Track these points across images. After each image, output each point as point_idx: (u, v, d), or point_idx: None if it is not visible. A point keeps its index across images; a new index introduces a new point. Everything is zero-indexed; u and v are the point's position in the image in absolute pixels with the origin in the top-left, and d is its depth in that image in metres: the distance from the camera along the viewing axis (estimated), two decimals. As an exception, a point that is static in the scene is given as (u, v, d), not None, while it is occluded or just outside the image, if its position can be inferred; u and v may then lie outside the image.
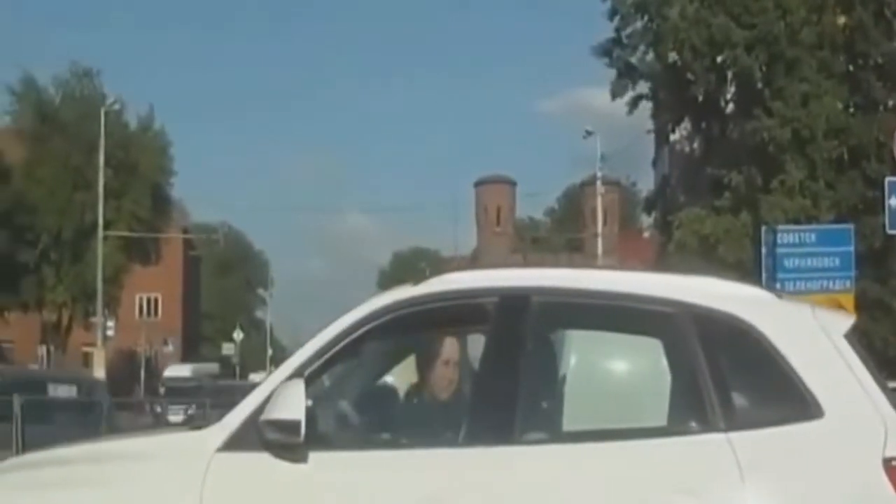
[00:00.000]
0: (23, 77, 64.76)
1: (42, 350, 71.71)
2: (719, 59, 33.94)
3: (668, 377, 5.72)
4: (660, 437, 5.55)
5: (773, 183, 32.36)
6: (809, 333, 5.71)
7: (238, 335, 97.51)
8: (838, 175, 32.68)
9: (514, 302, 5.89)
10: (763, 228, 26.52)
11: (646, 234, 67.72)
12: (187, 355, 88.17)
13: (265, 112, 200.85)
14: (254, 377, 74.81)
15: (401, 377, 6.49)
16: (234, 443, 5.71)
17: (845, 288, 22.83)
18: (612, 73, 37.89)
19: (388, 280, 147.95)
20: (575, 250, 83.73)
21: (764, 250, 24.61)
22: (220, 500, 5.63)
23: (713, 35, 33.01)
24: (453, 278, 6.08)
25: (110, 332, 64.40)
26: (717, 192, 34.28)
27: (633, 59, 37.41)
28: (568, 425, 5.76)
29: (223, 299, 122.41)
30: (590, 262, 61.36)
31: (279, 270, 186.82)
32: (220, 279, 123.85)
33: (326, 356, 5.88)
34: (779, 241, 23.86)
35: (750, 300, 5.85)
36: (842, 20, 33.68)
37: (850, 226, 25.41)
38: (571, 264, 6.43)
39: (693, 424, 5.55)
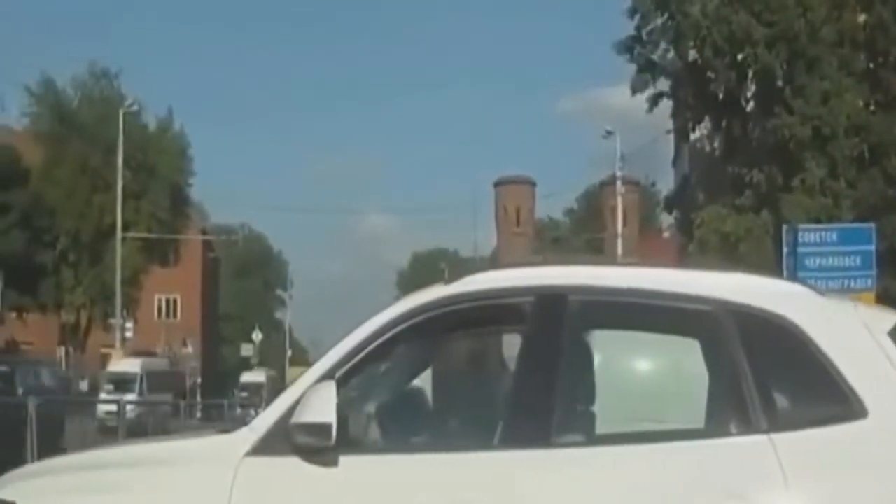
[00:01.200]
0: (41, 79, 65.05)
1: (61, 352, 71.87)
2: (740, 56, 33.78)
3: (707, 377, 5.60)
4: (700, 439, 5.42)
5: (794, 181, 32.23)
6: (852, 331, 5.57)
7: (257, 336, 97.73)
8: (859, 173, 32.52)
9: (551, 301, 5.74)
10: (784, 227, 26.34)
11: (666, 234, 67.54)
12: (207, 356, 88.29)
13: (285, 113, 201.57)
14: (245, 377, 74.25)
15: (424, 379, 6.35)
16: (263, 447, 5.60)
17: (866, 287, 22.66)
18: (633, 71, 37.83)
19: (408, 280, 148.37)
20: (595, 250, 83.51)
21: (785, 249, 24.46)
22: None
23: (734, 32, 32.88)
24: (487, 277, 5.94)
25: (129, 334, 64.60)
26: (737, 191, 34.16)
27: (654, 57, 37.31)
28: (605, 427, 5.62)
29: (242, 300, 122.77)
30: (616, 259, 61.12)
31: (299, 271, 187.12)
32: (240, 280, 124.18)
33: (358, 358, 5.77)
34: (800, 239, 23.72)
35: (791, 297, 5.71)
36: (862, 18, 33.53)
37: (872, 225, 25.24)
38: (600, 262, 6.23)
39: (734, 425, 5.42)
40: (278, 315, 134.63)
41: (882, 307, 6.10)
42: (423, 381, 6.36)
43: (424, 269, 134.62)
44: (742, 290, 5.66)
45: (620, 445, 5.46)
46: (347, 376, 5.72)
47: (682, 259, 35.61)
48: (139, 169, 63.77)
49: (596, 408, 5.67)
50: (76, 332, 66.80)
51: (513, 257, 79.11)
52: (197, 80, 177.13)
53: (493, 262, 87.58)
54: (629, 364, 5.84)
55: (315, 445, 5.41)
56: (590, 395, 5.69)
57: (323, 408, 5.38)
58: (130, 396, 44.35)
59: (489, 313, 5.90)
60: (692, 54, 35.10)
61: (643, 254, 70.41)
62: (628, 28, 37.53)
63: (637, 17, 37.13)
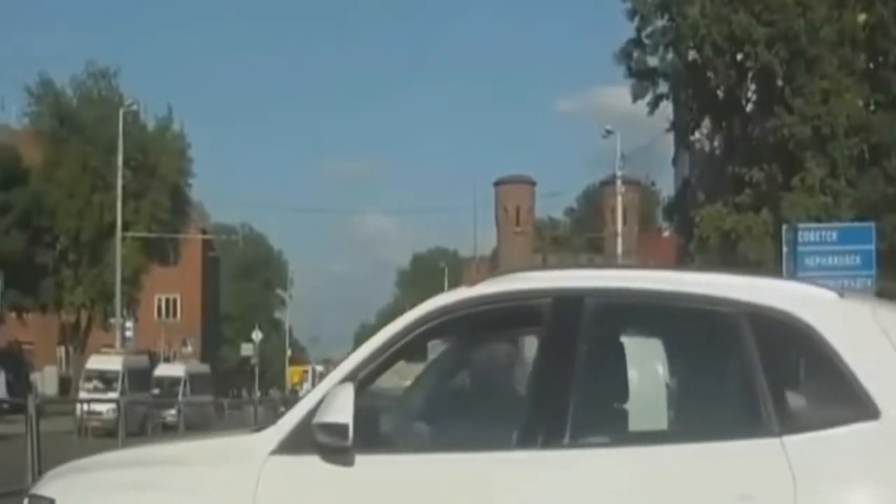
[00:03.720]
0: (41, 79, 64.96)
1: (61, 352, 71.82)
2: (740, 56, 33.79)
3: (722, 378, 5.66)
4: (710, 441, 5.42)
5: (794, 181, 32.25)
6: (868, 333, 5.54)
7: (257, 336, 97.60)
8: (859, 173, 32.54)
9: (568, 303, 5.78)
10: (784, 226, 26.38)
11: (665, 234, 67.53)
12: (207, 356, 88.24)
13: (285, 113, 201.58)
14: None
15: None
16: (288, 446, 5.72)
17: (866, 286, 22.65)
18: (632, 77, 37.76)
19: (408, 280, 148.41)
20: (594, 250, 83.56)
21: (785, 248, 24.52)
22: (272, 502, 5.64)
23: (734, 32, 32.88)
24: (507, 279, 6.01)
25: (129, 334, 64.48)
26: (738, 190, 34.17)
27: (654, 60, 37.30)
28: (620, 429, 5.68)
29: (243, 300, 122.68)
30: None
31: (299, 271, 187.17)
32: (240, 280, 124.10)
33: (380, 360, 5.87)
34: (800, 238, 23.77)
35: (808, 298, 5.71)
36: (862, 17, 33.50)
37: (871, 224, 25.28)
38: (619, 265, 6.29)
39: (745, 427, 5.42)
40: (278, 315, 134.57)
41: None
42: (444, 382, 6.43)
43: (424, 269, 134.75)
44: (759, 292, 5.67)
45: (634, 446, 5.51)
46: (369, 378, 5.83)
47: (683, 258, 35.66)
48: (139, 169, 63.64)
49: (611, 409, 5.71)
50: (76, 332, 66.66)
51: (513, 257, 79.15)
52: (197, 80, 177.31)
53: (493, 262, 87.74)
54: (644, 366, 5.83)
55: (333, 445, 5.52)
56: (605, 397, 5.74)
57: (341, 408, 5.48)
58: (112, 395, 42.37)
59: (508, 315, 5.97)
60: (692, 54, 35.10)
61: (643, 253, 70.46)
62: (628, 30, 37.55)
63: (637, 18, 37.13)
